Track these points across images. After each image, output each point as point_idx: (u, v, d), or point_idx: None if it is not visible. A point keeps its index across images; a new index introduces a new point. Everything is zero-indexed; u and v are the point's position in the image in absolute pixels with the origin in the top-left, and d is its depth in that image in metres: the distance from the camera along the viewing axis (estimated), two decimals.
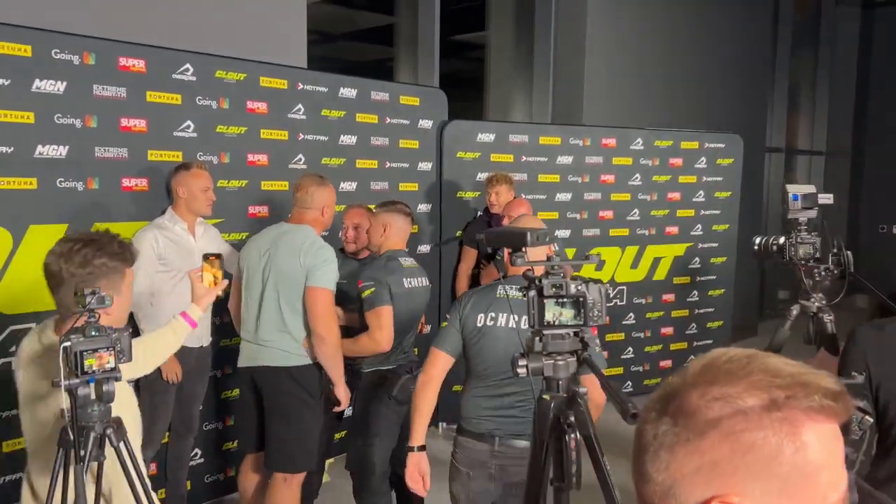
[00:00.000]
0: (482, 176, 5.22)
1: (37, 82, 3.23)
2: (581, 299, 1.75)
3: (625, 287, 5.93)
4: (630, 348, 6.01)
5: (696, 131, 6.28)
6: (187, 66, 3.76)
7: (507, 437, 2.41)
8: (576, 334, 1.78)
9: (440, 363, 2.51)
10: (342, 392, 3.26)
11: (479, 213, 5.03)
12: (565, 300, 1.75)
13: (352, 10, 8.15)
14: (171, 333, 2.50)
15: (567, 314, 1.76)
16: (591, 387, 1.96)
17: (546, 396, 1.76)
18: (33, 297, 3.25)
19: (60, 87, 3.31)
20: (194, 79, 3.79)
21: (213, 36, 4.17)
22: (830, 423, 0.79)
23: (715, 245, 6.29)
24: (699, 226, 6.19)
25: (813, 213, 3.58)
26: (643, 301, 6.03)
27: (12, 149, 3.17)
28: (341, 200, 4.49)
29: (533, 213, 5.25)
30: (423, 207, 5.07)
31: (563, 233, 5.58)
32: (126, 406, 1.91)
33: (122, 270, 1.99)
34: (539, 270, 1.80)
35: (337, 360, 3.20)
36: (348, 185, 4.59)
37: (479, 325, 2.41)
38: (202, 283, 2.60)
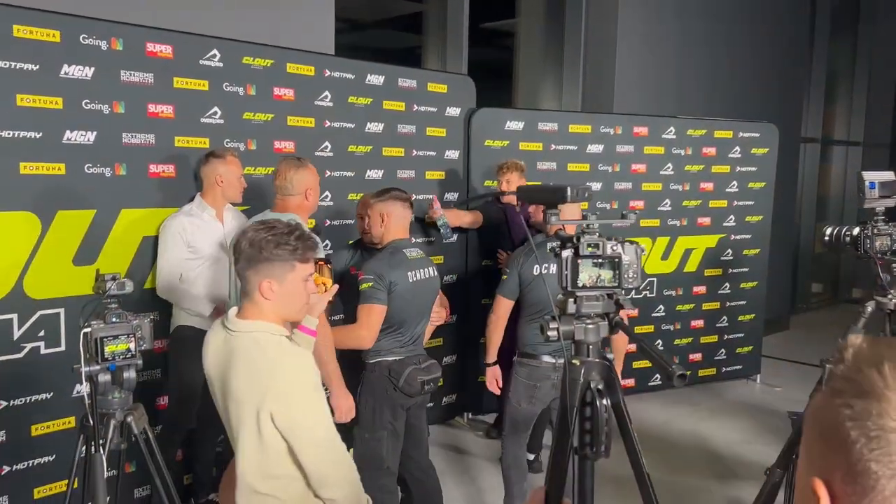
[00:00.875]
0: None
1: (65, 68, 3.24)
2: (617, 260, 1.68)
3: (655, 279, 5.83)
4: (659, 341, 5.90)
5: (731, 120, 6.14)
6: (214, 51, 3.75)
7: (562, 355, 3.05)
8: (609, 296, 1.69)
9: (504, 306, 3.45)
10: (342, 400, 2.96)
11: (489, 199, 4.95)
12: (602, 260, 1.67)
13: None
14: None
15: (605, 275, 1.69)
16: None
17: (576, 361, 1.69)
18: (62, 282, 3.28)
19: (88, 72, 3.31)
20: (221, 65, 3.78)
21: (241, 22, 4.16)
22: None
23: (748, 237, 6.15)
24: (732, 217, 6.06)
25: (892, 203, 3.40)
26: (673, 293, 5.92)
27: (41, 134, 3.19)
28: (369, 188, 4.47)
29: None
30: (450, 196, 5.01)
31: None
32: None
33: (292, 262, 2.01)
34: (571, 230, 1.72)
35: (328, 360, 2.86)
36: (375, 174, 4.56)
37: (535, 273, 3.09)
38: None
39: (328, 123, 4.30)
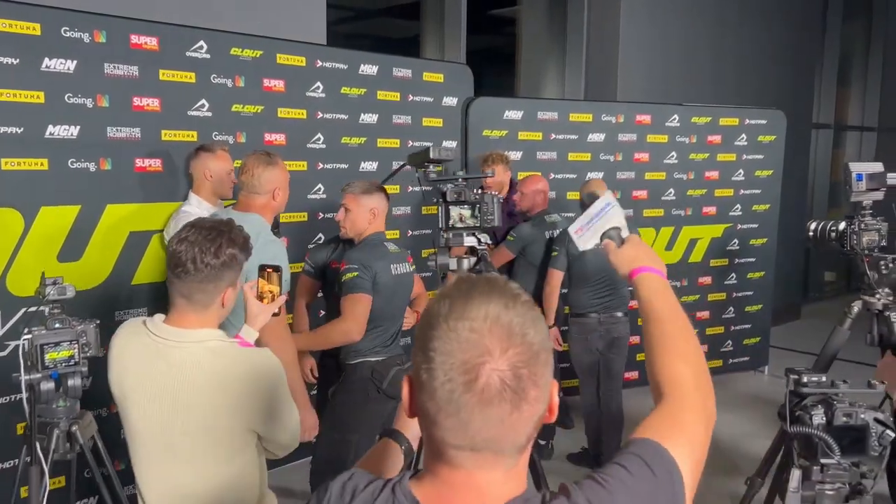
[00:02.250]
0: (509, 155, 5.05)
1: (46, 61, 3.18)
2: (477, 203, 2.21)
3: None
4: None
5: (736, 107, 6.00)
6: (201, 43, 3.68)
7: (606, 311, 4.19)
8: (474, 234, 2.21)
9: (556, 277, 4.19)
10: (308, 416, 2.70)
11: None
12: (466, 204, 2.20)
13: None
14: None
15: (466, 214, 2.22)
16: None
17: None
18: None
19: (71, 65, 3.25)
20: (208, 56, 3.71)
21: (229, 13, 4.09)
22: None
23: (755, 226, 6.03)
24: (738, 206, 5.94)
25: (880, 196, 3.21)
26: (678, 284, 5.81)
27: (22, 129, 3.14)
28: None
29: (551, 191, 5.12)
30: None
31: None
32: None
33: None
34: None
35: (294, 378, 2.61)
36: (369, 165, 4.48)
37: (580, 249, 2.99)
38: (256, 300, 2.22)
39: (320, 115, 4.22)
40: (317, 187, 4.25)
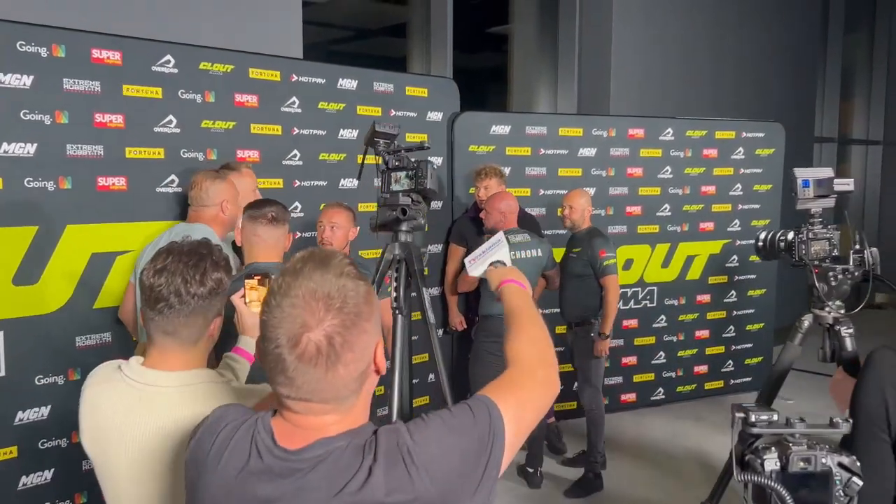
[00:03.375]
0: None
1: (0, 77, 3.06)
2: (414, 169, 2.48)
3: (655, 287, 5.54)
4: (662, 353, 5.62)
5: (732, 120, 5.84)
6: (168, 57, 3.55)
7: None
8: (409, 195, 2.50)
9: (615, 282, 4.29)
10: None
11: (468, 209, 4.71)
12: (403, 170, 2.51)
13: (386, 4, 7.96)
14: (231, 374, 1.98)
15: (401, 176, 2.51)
16: None
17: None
18: (0, 303, 3.09)
19: (27, 80, 3.12)
20: (176, 71, 3.58)
21: (200, 27, 3.97)
22: None
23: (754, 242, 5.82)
24: (737, 221, 5.76)
25: (829, 203, 3.04)
26: (676, 302, 5.63)
27: None
28: (342, 198, 4.27)
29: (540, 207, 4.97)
30: (434, 204, 4.77)
31: None
32: None
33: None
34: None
35: None
36: (349, 182, 4.34)
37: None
38: (249, 309, 2.16)
39: (297, 130, 4.09)
40: (293, 205, 4.10)
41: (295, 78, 4.06)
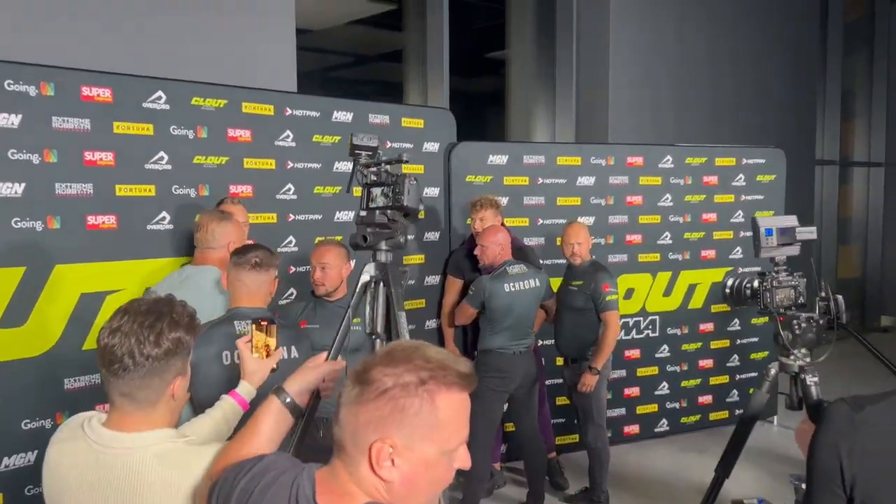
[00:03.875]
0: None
1: None
2: (392, 185, 2.46)
3: (657, 317, 5.46)
4: (665, 383, 5.52)
5: (732, 146, 5.79)
6: (159, 93, 3.52)
7: None
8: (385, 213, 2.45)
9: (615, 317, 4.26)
10: None
11: (465, 240, 4.63)
12: (382, 185, 2.46)
13: (385, 31, 7.99)
14: (222, 419, 2.02)
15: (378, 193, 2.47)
16: None
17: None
18: None
19: (15, 120, 3.09)
20: (168, 107, 3.54)
21: (194, 63, 3.94)
22: (461, 393, 1.22)
23: (758, 269, 5.74)
24: (739, 249, 5.68)
25: (794, 251, 3.08)
26: (678, 331, 5.54)
27: None
28: (338, 231, 4.23)
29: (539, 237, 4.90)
30: (431, 236, 4.73)
31: None
32: None
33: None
34: None
35: None
36: (344, 215, 4.28)
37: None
38: (252, 355, 2.16)
39: (290, 164, 4.04)
40: (287, 240, 4.05)
41: (289, 111, 4.02)
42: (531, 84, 6.53)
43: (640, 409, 5.46)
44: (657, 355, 5.48)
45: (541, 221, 5.01)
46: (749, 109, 7.10)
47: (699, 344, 5.63)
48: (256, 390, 2.12)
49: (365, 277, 2.47)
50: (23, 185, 3.11)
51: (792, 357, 3.02)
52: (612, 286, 4.18)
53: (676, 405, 5.59)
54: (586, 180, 5.16)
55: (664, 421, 5.55)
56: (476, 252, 4.18)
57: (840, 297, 2.98)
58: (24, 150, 3.12)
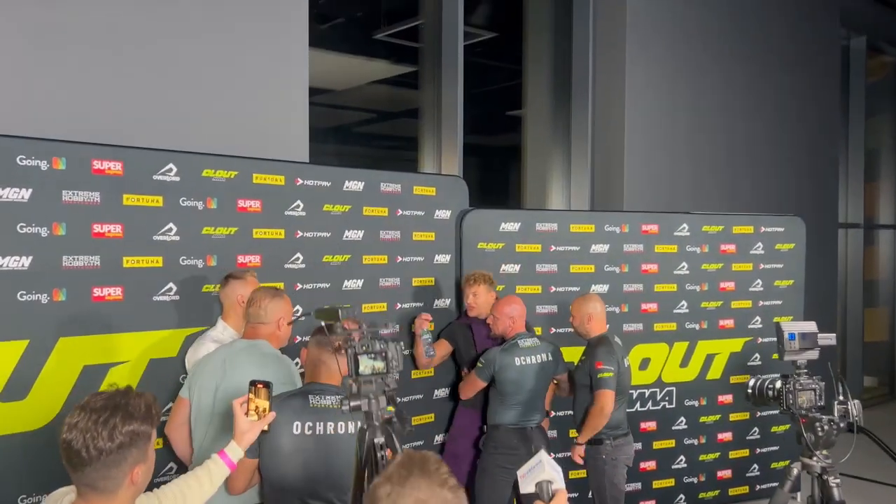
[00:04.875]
0: (506, 268, 4.82)
1: None
2: (385, 353, 2.32)
3: (674, 388, 5.33)
4: (682, 457, 5.35)
5: (750, 214, 5.72)
6: (170, 166, 3.55)
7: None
8: (383, 379, 2.31)
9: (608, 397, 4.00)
10: None
11: (458, 317, 4.58)
12: (375, 355, 2.32)
13: (404, 89, 8.11)
14: (206, 478, 2.21)
15: (378, 365, 2.31)
16: None
17: (365, 426, 2.29)
18: None
19: (25, 194, 3.12)
20: (178, 179, 3.57)
21: (205, 135, 3.98)
22: None
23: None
24: (758, 318, 5.56)
25: (815, 355, 3.22)
26: (696, 403, 5.40)
27: None
28: (346, 300, 4.20)
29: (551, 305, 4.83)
30: (441, 303, 4.68)
31: None
32: None
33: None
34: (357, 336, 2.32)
35: None
36: (353, 284, 4.26)
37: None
38: (246, 417, 2.34)
39: (300, 234, 4.04)
40: (295, 309, 4.00)
41: (300, 181, 4.04)
42: (547, 147, 6.54)
43: (657, 484, 5.29)
44: (674, 428, 5.33)
45: (553, 289, 4.95)
46: (768, 175, 7.03)
47: (718, 416, 5.47)
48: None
49: (373, 440, 2.28)
50: (30, 258, 3.13)
51: (815, 458, 3.10)
52: (607, 363, 4.00)
53: (694, 480, 5.41)
54: (600, 248, 5.10)
55: (682, 496, 5.36)
56: (488, 321, 4.12)
57: (857, 402, 3.08)
58: (32, 223, 3.13)
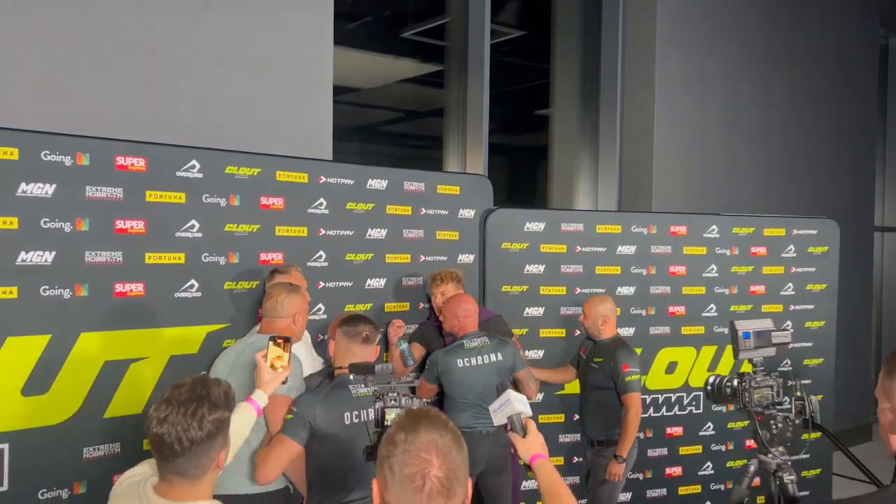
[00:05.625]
0: (530, 269, 4.75)
1: (23, 186, 3.07)
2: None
3: (701, 393, 5.21)
4: (709, 463, 5.24)
5: (782, 216, 5.58)
6: (193, 162, 3.55)
7: None
8: None
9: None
10: None
11: (427, 317, 4.40)
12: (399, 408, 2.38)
13: (431, 88, 8.10)
14: (238, 417, 2.39)
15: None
16: None
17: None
18: (7, 415, 3.03)
19: (49, 189, 3.13)
20: (201, 175, 3.57)
21: (229, 132, 3.98)
22: None
23: (808, 345, 5.48)
24: (789, 323, 5.42)
25: (771, 352, 3.24)
26: (724, 409, 5.27)
27: None
28: (368, 299, 4.18)
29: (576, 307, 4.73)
30: None
31: (626, 330, 4.98)
32: None
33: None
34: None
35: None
36: (376, 282, 4.23)
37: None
38: (268, 367, 2.65)
39: (323, 232, 4.02)
40: (317, 307, 4.00)
41: (323, 179, 4.02)
42: (574, 147, 6.45)
43: (683, 490, 5.19)
44: (701, 433, 5.22)
45: (578, 290, 4.87)
46: (801, 176, 6.87)
47: (746, 422, 5.31)
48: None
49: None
50: (53, 253, 3.14)
51: (770, 455, 3.14)
52: (633, 366, 4.00)
53: (722, 486, 5.29)
54: (627, 249, 5.01)
55: (708, 503, 5.25)
56: (441, 317, 4.04)
57: (814, 398, 3.14)
58: (56, 218, 3.15)
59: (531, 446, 2.06)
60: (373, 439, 2.40)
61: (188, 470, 1.80)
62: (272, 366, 2.65)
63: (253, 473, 2.76)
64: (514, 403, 2.11)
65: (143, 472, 1.95)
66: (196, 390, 1.85)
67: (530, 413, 2.11)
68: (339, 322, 3.07)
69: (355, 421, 2.76)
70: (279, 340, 2.67)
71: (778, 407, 3.16)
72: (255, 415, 2.59)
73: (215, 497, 1.91)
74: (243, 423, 2.51)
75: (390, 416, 2.31)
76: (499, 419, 2.15)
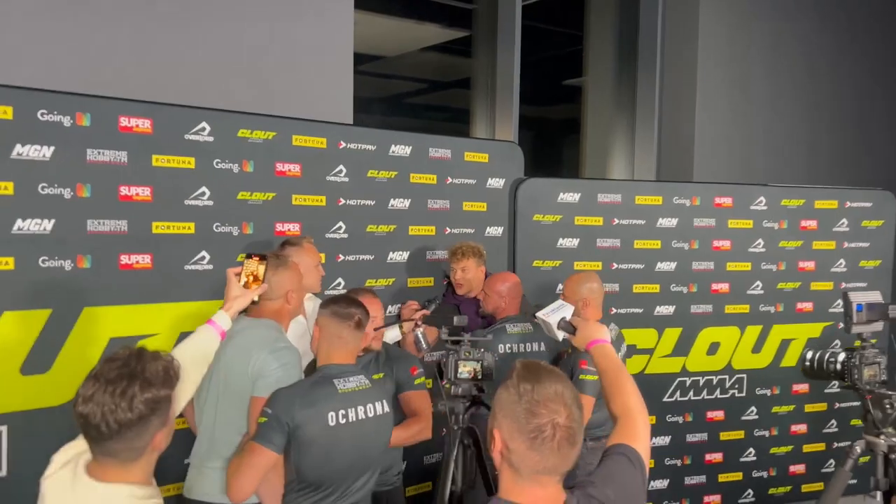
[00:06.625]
0: (564, 242, 4.46)
1: (18, 148, 2.83)
2: (481, 361, 2.81)
3: (745, 375, 4.92)
4: (752, 450, 4.96)
5: (834, 188, 5.22)
6: (203, 125, 3.29)
7: None
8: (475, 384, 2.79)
9: None
10: None
11: (444, 293, 4.06)
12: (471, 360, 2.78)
13: (457, 56, 7.82)
14: (193, 344, 2.33)
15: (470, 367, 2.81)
16: None
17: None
18: (5, 395, 2.83)
19: (47, 152, 2.90)
20: (211, 139, 3.31)
21: (243, 93, 3.72)
22: None
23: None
24: (840, 302, 5.06)
25: (880, 326, 3.08)
26: (768, 392, 4.98)
27: None
28: (391, 273, 3.94)
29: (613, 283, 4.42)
30: None
31: (665, 309, 4.69)
32: None
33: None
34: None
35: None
36: (398, 256, 3.98)
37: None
38: (237, 283, 2.44)
39: (342, 201, 3.76)
40: (336, 281, 3.75)
41: (343, 145, 3.75)
42: (609, 115, 6.12)
43: (723, 478, 4.92)
44: (743, 418, 4.93)
45: (615, 266, 4.59)
46: (855, 144, 6.47)
47: (792, 406, 5.05)
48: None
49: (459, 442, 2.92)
50: (52, 221, 2.91)
51: (882, 436, 2.97)
52: (591, 363, 3.46)
53: (764, 474, 5.01)
54: (668, 222, 4.70)
55: (750, 492, 4.97)
56: (479, 295, 3.76)
57: None
58: (55, 183, 2.92)
59: (586, 336, 2.21)
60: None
61: (119, 452, 1.62)
62: (247, 286, 2.43)
63: (225, 489, 2.32)
64: (566, 308, 2.37)
65: (81, 447, 1.74)
66: (129, 366, 1.62)
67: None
68: (324, 304, 2.59)
69: (341, 421, 2.32)
70: (254, 256, 2.47)
71: (885, 385, 3.00)
72: (219, 338, 2.36)
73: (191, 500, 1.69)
74: (204, 346, 2.31)
75: (466, 367, 2.47)
76: (552, 319, 2.32)
